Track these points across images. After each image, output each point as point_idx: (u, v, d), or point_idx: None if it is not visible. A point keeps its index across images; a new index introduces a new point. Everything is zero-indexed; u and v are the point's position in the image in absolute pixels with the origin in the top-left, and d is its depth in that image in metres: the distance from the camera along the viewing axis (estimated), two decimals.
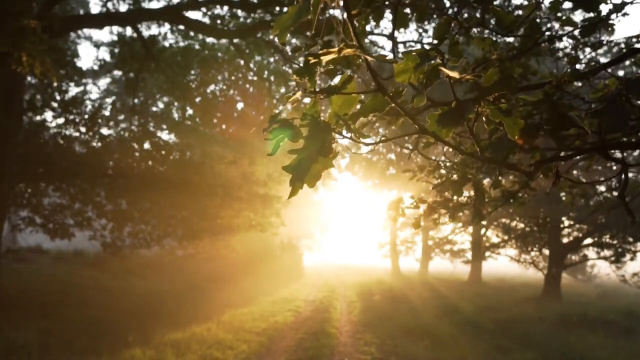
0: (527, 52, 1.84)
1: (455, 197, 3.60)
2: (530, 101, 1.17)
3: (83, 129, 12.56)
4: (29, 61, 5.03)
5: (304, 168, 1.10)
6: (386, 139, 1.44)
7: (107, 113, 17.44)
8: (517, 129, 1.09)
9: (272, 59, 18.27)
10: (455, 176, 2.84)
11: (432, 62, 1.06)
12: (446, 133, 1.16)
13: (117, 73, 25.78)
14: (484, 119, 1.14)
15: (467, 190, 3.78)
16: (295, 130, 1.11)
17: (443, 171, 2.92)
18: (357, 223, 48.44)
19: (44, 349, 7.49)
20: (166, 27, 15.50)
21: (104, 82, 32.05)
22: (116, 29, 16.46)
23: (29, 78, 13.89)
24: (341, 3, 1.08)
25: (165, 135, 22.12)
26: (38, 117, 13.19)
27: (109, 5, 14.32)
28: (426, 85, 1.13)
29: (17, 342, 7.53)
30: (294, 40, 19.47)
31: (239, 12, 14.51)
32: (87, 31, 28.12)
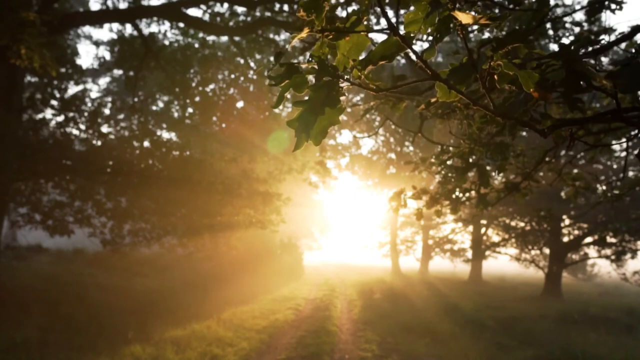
0: (533, 30, 1.80)
1: (457, 189, 3.56)
2: (545, 55, 1.13)
3: (83, 127, 12.53)
4: (28, 54, 5.00)
5: (310, 118, 1.06)
6: (402, 84, 1.39)
7: (107, 111, 17.38)
8: (532, 82, 1.05)
9: (272, 58, 18.25)
10: (454, 162, 2.80)
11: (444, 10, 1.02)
12: (455, 93, 1.12)
13: (117, 72, 25.76)
14: (495, 77, 1.10)
15: (468, 189, 3.75)
16: (301, 78, 1.07)
17: (447, 159, 2.86)
18: (357, 222, 48.43)
19: (43, 346, 7.45)
20: (166, 24, 15.47)
21: (103, 81, 32.04)
22: (116, 27, 16.43)
23: (28, 77, 13.85)
24: None
25: (165, 134, 22.09)
26: (39, 116, 13.15)
27: (109, 3, 14.29)
28: (437, 39, 1.09)
29: (16, 339, 7.50)
30: (294, 40, 19.43)
31: (239, 10, 14.48)
32: (87, 30, 28.10)
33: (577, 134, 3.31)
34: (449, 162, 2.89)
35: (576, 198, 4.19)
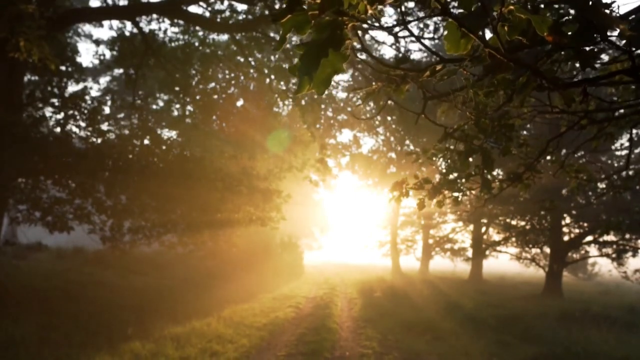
0: None
1: (460, 180, 3.53)
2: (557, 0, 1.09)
3: (83, 124, 12.50)
4: (27, 46, 4.97)
5: (312, 60, 1.02)
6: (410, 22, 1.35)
7: (107, 110, 17.33)
8: (545, 26, 1.02)
9: (273, 58, 18.18)
10: (457, 146, 2.76)
11: None
12: (465, 44, 1.08)
13: (118, 71, 25.72)
14: (506, 28, 1.07)
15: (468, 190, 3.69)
16: (304, 15, 1.03)
17: (451, 133, 2.80)
18: (357, 222, 48.39)
19: (42, 343, 7.42)
20: (166, 22, 15.44)
21: (104, 80, 32.02)
22: (116, 25, 16.40)
23: (29, 75, 13.81)
24: None
25: (165, 133, 22.04)
26: (38, 113, 13.11)
27: (109, 0, 14.26)
28: None
29: (15, 336, 7.47)
30: (294, 39, 19.38)
31: (239, 8, 14.45)
32: (87, 29, 28.08)
33: (580, 122, 3.28)
34: (451, 147, 2.85)
35: (579, 190, 4.16)
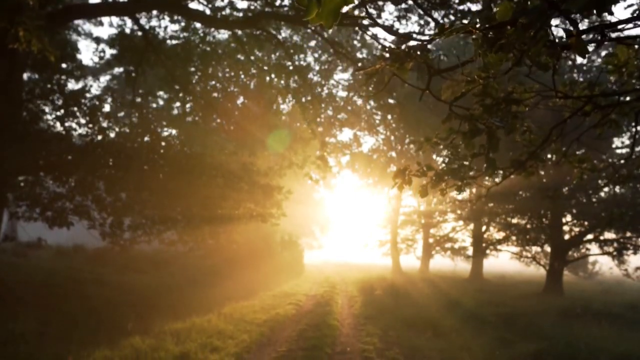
0: None
1: (463, 169, 3.50)
2: None
3: (83, 121, 12.49)
4: (26, 37, 4.96)
5: None
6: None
7: (107, 108, 17.30)
8: None
9: (273, 56, 18.16)
10: (462, 127, 2.72)
11: None
12: None
13: (118, 70, 25.68)
14: None
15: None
16: None
17: (456, 97, 2.72)
18: (357, 221, 48.36)
19: (42, 339, 7.41)
20: (166, 19, 15.41)
21: (104, 78, 32.00)
22: (116, 22, 16.39)
23: (28, 73, 13.79)
24: None
25: (166, 131, 22.01)
26: (38, 110, 13.10)
27: None
28: None
29: (15, 332, 7.45)
30: (295, 37, 19.37)
31: (239, 5, 14.45)
32: (87, 27, 28.05)
33: (585, 109, 3.25)
34: (455, 129, 2.82)
35: (582, 180, 4.14)
